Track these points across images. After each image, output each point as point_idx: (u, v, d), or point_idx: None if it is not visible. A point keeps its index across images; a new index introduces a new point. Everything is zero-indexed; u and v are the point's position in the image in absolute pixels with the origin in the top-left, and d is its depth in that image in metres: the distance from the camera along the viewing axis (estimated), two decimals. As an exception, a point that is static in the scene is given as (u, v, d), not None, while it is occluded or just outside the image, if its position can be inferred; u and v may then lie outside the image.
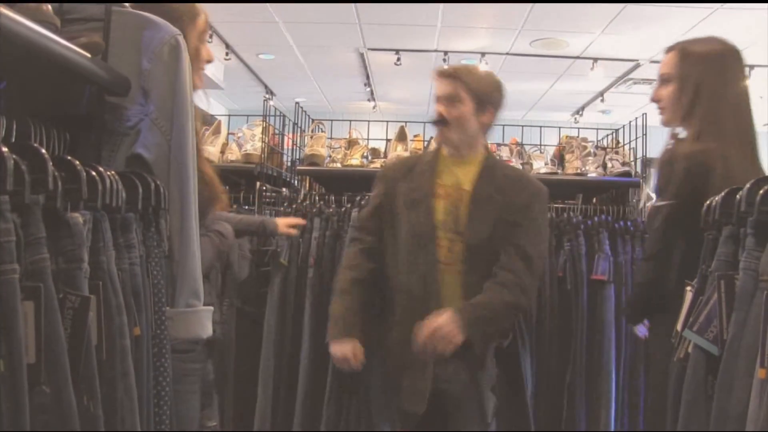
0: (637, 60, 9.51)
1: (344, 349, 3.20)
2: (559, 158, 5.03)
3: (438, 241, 3.21)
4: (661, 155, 2.87)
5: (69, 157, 1.62)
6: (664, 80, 2.85)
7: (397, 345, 3.23)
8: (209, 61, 2.70)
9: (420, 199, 3.26)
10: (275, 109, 5.32)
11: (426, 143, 5.08)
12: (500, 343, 3.35)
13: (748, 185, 1.81)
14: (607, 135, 5.57)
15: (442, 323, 3.02)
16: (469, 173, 3.30)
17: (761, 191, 1.75)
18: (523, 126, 5.48)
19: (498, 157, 4.61)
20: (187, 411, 2.47)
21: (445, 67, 3.37)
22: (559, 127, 5.70)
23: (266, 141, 4.83)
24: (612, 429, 4.20)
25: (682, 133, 2.80)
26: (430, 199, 3.25)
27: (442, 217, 3.23)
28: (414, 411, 3.19)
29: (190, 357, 2.42)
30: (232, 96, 12.62)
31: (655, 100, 2.89)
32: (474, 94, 3.25)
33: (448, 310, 3.04)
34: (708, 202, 2.08)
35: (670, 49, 2.85)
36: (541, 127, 5.43)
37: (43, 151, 1.47)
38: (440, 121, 3.27)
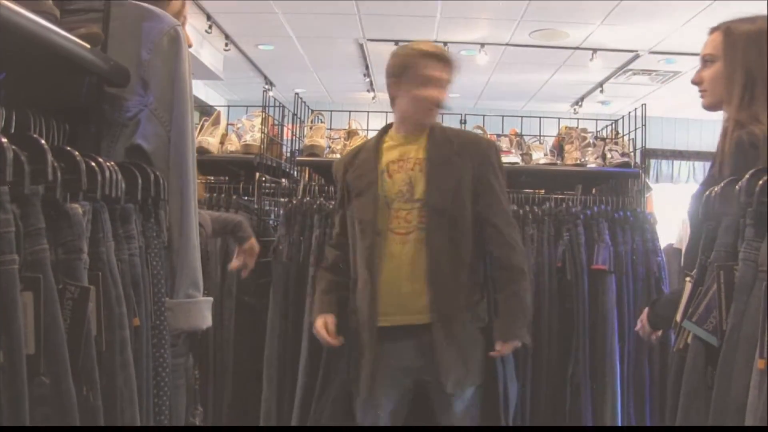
0: (637, 51, 9.49)
1: (317, 325, 3.36)
2: (559, 149, 5.02)
3: (395, 214, 3.28)
4: (737, 141, 2.50)
5: (68, 148, 1.62)
6: (706, 61, 2.71)
7: (356, 330, 3.33)
8: (188, 46, 2.69)
9: (366, 184, 3.33)
10: (275, 99, 5.31)
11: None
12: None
13: (747, 176, 1.80)
14: (607, 126, 5.56)
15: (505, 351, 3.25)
16: (421, 143, 3.37)
17: (760, 182, 1.75)
18: (522, 117, 5.48)
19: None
20: (174, 405, 2.47)
21: (436, 49, 3.37)
22: (559, 118, 5.68)
23: (266, 132, 4.82)
24: (618, 421, 4.19)
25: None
26: (375, 181, 3.32)
27: (396, 190, 3.30)
28: (365, 397, 3.27)
29: (174, 351, 2.43)
30: (232, 87, 12.59)
31: (696, 82, 2.75)
32: (452, 80, 3.37)
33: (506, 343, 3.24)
34: (707, 192, 2.07)
35: (714, 30, 2.71)
36: (540, 117, 5.40)
37: (43, 141, 1.47)
38: (442, 107, 3.34)
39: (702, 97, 2.76)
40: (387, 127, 3.51)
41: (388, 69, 3.41)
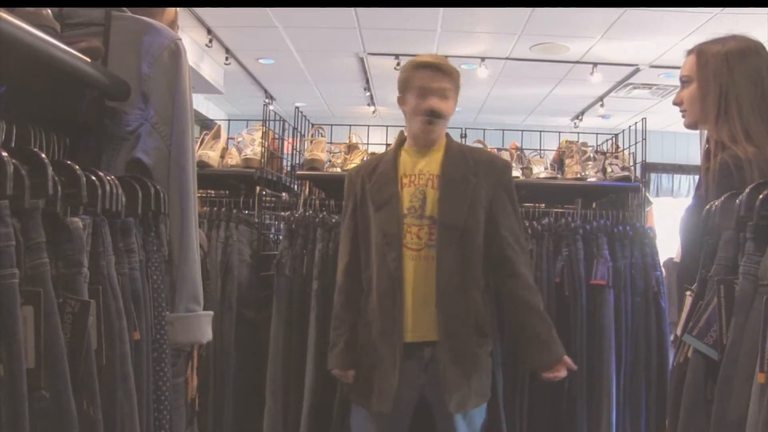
0: (637, 65, 9.51)
1: (344, 375, 3.39)
2: (559, 163, 5.02)
3: (407, 229, 3.28)
4: (721, 164, 2.58)
5: (69, 162, 1.62)
6: (684, 83, 2.81)
7: (369, 344, 3.31)
8: None
9: (388, 197, 3.31)
10: (275, 113, 5.31)
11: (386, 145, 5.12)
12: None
13: (747, 189, 1.81)
14: (607, 140, 5.56)
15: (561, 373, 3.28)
16: (436, 159, 3.37)
17: (761, 196, 1.75)
18: (522, 130, 5.47)
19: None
20: (174, 422, 2.46)
21: (430, 59, 3.36)
22: (559, 132, 5.68)
23: (266, 145, 4.82)
24: (614, 435, 4.18)
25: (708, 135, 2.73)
26: (396, 195, 3.31)
27: (408, 205, 3.30)
28: (381, 411, 3.24)
29: (174, 371, 2.42)
30: (232, 100, 12.62)
31: (676, 103, 2.84)
32: (455, 88, 3.36)
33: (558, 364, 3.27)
34: (708, 206, 2.08)
35: (689, 52, 2.81)
36: (540, 131, 5.39)
37: (43, 155, 1.47)
38: (436, 115, 3.31)
39: (683, 116, 2.85)
40: (403, 140, 3.51)
41: (397, 85, 3.45)
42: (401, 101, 3.42)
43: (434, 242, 3.24)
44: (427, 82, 3.28)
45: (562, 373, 3.25)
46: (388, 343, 3.22)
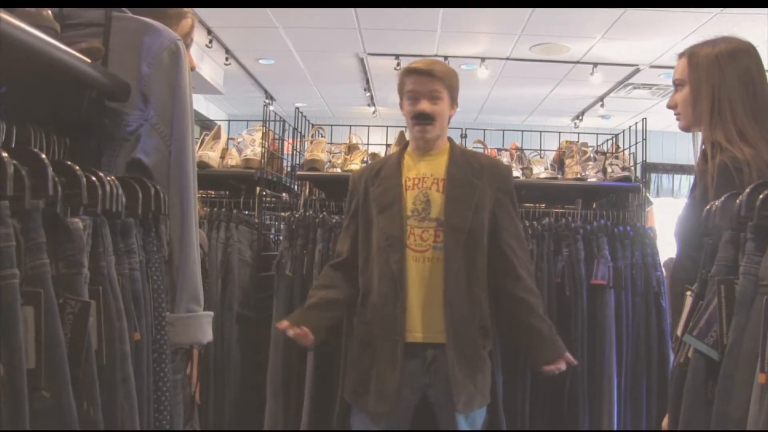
0: (637, 65, 9.51)
1: (290, 332, 3.28)
2: (559, 163, 5.02)
3: (410, 231, 3.30)
4: (720, 166, 2.57)
5: (69, 162, 1.62)
6: (677, 86, 2.82)
7: (368, 344, 3.33)
8: (191, 68, 2.70)
9: (392, 200, 3.34)
10: (275, 114, 5.32)
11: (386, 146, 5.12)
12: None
13: (747, 190, 1.81)
14: (607, 140, 5.57)
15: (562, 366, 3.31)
16: (440, 163, 3.41)
17: (761, 196, 1.75)
18: (522, 131, 5.47)
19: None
20: (174, 420, 2.46)
21: (420, 63, 3.40)
22: (559, 132, 5.68)
23: (266, 146, 4.83)
24: (615, 435, 4.19)
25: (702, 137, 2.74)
26: (399, 198, 3.34)
27: (411, 207, 3.33)
28: (381, 411, 3.25)
29: (173, 368, 2.41)
30: (232, 101, 12.62)
31: (670, 106, 2.86)
32: (448, 90, 3.38)
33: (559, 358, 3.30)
34: (708, 207, 2.08)
35: (681, 55, 2.81)
36: (540, 131, 5.40)
37: (43, 156, 1.47)
38: (426, 118, 3.33)
39: (677, 120, 2.87)
40: (407, 144, 3.55)
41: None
42: (401, 107, 3.46)
43: (440, 244, 3.27)
44: (416, 86, 3.34)
45: (562, 366, 3.28)
46: (389, 343, 3.24)
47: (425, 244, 3.29)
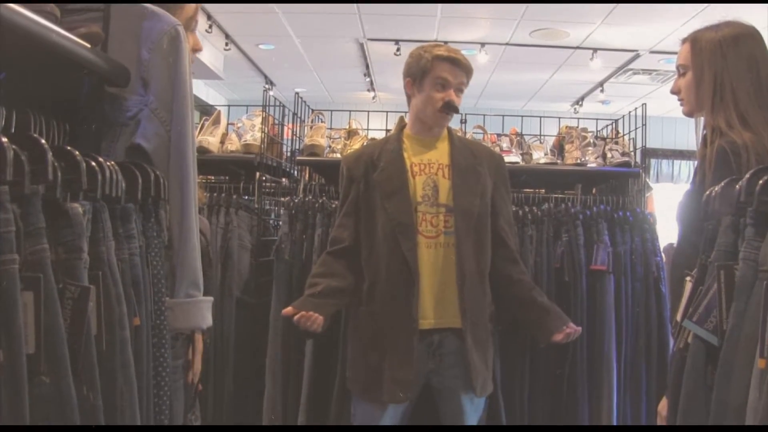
0: (637, 50, 9.50)
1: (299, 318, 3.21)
2: (559, 148, 5.02)
3: (422, 217, 3.31)
4: (718, 150, 2.55)
5: (69, 148, 1.62)
6: (680, 71, 2.81)
7: (376, 334, 3.31)
8: (197, 51, 2.69)
9: (398, 186, 3.33)
10: (275, 99, 5.30)
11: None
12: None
13: (747, 175, 1.80)
14: (607, 125, 5.56)
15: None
16: (442, 149, 3.44)
17: (761, 181, 1.75)
18: (522, 116, 5.47)
19: (497, 147, 4.66)
20: (174, 405, 2.46)
21: (453, 53, 3.39)
22: (559, 118, 5.68)
23: (266, 131, 4.82)
24: (615, 421, 4.18)
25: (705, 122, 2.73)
26: (406, 184, 3.33)
27: (421, 193, 3.33)
28: (398, 401, 3.24)
29: (173, 353, 2.41)
30: (232, 86, 12.61)
31: (674, 91, 2.84)
32: (468, 85, 3.44)
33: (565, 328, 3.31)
34: (707, 192, 2.07)
35: (684, 40, 2.79)
36: (540, 117, 5.39)
37: (43, 141, 1.47)
38: (454, 109, 3.37)
39: (681, 105, 2.85)
40: (403, 126, 3.53)
41: (406, 68, 3.46)
42: (411, 87, 3.44)
43: (451, 229, 3.29)
44: (450, 75, 3.34)
45: (572, 332, 3.28)
46: (402, 331, 3.23)
47: (436, 230, 3.30)
